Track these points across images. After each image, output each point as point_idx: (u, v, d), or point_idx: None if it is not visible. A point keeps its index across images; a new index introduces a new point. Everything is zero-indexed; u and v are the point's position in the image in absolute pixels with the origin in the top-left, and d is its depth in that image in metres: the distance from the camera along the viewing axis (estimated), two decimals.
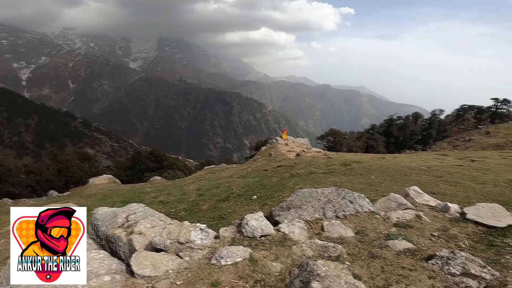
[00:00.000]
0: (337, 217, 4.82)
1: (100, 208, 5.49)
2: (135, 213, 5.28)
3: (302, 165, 15.56)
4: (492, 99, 51.75)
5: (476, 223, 4.54)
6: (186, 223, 4.47)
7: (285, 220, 4.82)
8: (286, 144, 27.93)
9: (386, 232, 4.32)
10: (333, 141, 45.85)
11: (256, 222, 4.40)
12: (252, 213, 5.41)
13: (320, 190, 5.76)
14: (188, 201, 12.86)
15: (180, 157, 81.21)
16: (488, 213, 4.78)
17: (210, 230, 4.42)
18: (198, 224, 4.43)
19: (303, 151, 22.02)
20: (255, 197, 10.72)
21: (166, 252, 3.97)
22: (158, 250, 4.08)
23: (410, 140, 53.51)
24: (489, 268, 3.31)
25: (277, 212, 5.42)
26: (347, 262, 3.44)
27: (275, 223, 5.01)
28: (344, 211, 4.97)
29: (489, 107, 52.50)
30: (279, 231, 4.32)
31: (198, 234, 4.15)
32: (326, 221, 4.59)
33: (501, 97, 50.90)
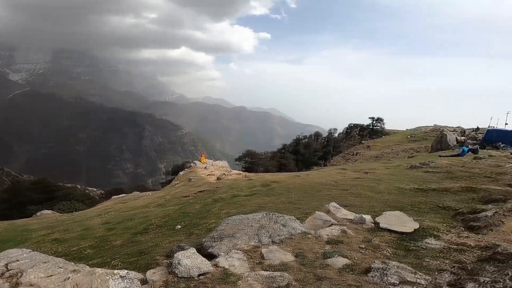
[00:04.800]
0: (273, 242, 4.76)
1: None
2: (18, 260, 3.98)
3: (225, 189, 15.38)
4: (370, 118, 63.79)
5: (389, 230, 5.21)
6: (99, 270, 3.59)
7: (221, 253, 4.47)
8: (206, 167, 27.38)
9: (322, 251, 4.46)
10: (250, 162, 47.64)
11: (190, 260, 3.92)
12: (181, 249, 4.85)
13: (251, 216, 5.67)
14: (95, 237, 10.84)
15: (78, 186, 69.55)
16: (395, 220, 5.58)
17: (133, 274, 3.67)
18: (116, 270, 3.63)
19: (224, 174, 22.00)
20: (179, 226, 9.84)
21: None
22: None
23: (314, 156, 60.32)
24: (420, 273, 3.69)
25: (209, 244, 5.01)
26: None
27: (209, 256, 4.60)
28: (279, 235, 4.96)
29: (368, 125, 64.17)
30: (217, 266, 3.94)
31: (119, 283, 3.38)
32: (264, 248, 4.46)
33: (376, 116, 63.19)
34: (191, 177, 22.52)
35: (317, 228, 5.52)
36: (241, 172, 26.27)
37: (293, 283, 3.47)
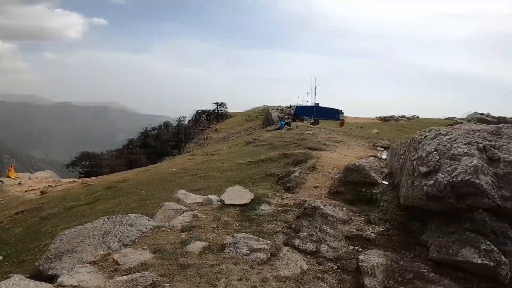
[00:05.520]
0: (125, 245, 4.58)
1: None
2: None
3: (55, 203, 12.81)
4: (214, 103, 68.91)
5: (233, 205, 6.08)
6: None
7: (64, 271, 3.92)
8: (20, 183, 21.36)
9: (179, 240, 4.64)
10: (90, 165, 40.75)
11: None
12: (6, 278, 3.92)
13: (89, 225, 5.15)
14: None
15: None
16: (236, 194, 6.58)
17: None
18: None
19: (50, 186, 18.28)
20: None
21: None
22: None
23: (167, 147, 58.97)
24: (262, 239, 4.45)
25: (46, 265, 4.31)
26: (165, 284, 3.41)
27: (52, 279, 3.97)
28: (129, 236, 4.80)
29: (213, 110, 69.03)
30: (63, 286, 3.47)
31: None
32: (116, 254, 4.24)
33: (219, 101, 68.70)
34: None
35: (170, 219, 5.73)
36: (75, 179, 22.28)
37: (158, 279, 3.50)
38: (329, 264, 4.27)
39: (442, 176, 4.27)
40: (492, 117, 33.18)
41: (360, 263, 4.06)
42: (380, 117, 41.69)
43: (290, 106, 57.66)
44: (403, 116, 42.08)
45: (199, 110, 73.77)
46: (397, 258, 4.26)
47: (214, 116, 67.47)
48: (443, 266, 4.11)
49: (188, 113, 74.55)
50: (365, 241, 4.78)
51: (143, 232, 4.95)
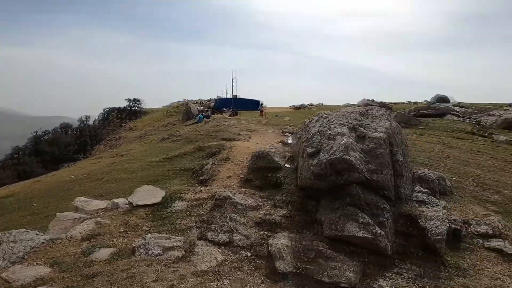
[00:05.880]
0: (13, 262, 4.06)
1: None
2: None
3: None
4: (126, 99, 63.06)
5: (143, 206, 5.81)
6: None
7: None
8: None
9: (80, 250, 4.31)
10: None
11: None
12: None
13: None
14: None
15: None
16: (147, 194, 6.31)
17: None
18: None
19: None
20: None
21: None
22: None
23: (68, 152, 51.18)
24: (174, 236, 4.38)
25: None
26: None
27: None
28: (15, 254, 4.23)
29: (126, 107, 63.14)
30: None
31: None
32: (4, 272, 3.77)
33: (134, 97, 63.15)
34: None
35: (68, 230, 5.20)
36: None
37: None
38: (243, 252, 4.35)
39: (323, 155, 4.92)
40: (378, 103, 40.05)
41: (270, 248, 4.21)
42: (293, 105, 45.43)
43: (210, 99, 57.26)
44: (311, 104, 46.87)
45: (108, 108, 66.44)
46: (300, 238, 4.47)
47: (127, 114, 61.76)
48: (337, 242, 4.38)
49: (97, 113, 66.31)
50: (273, 225, 4.93)
51: (32, 247, 4.41)
